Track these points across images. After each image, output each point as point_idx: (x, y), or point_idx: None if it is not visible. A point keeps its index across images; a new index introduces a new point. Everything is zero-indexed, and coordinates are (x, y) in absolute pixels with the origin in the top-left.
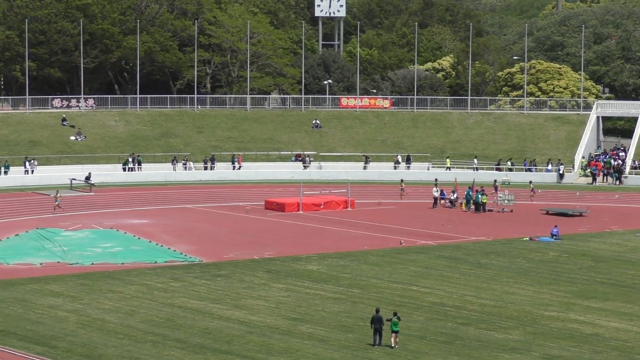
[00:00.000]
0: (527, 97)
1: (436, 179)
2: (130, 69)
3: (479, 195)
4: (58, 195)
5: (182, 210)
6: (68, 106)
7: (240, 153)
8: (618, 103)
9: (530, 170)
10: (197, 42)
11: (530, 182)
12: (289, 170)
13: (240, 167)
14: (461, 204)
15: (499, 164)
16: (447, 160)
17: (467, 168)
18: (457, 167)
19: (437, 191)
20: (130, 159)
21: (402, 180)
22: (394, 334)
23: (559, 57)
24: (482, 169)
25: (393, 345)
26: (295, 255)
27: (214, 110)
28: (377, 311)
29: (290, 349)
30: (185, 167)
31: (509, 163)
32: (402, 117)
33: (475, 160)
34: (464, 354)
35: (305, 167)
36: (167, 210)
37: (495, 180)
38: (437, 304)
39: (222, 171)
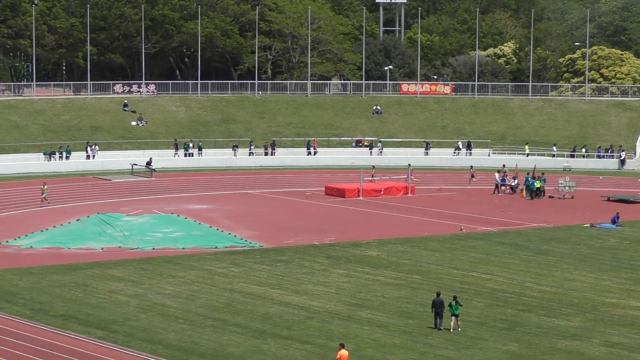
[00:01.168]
0: (588, 83)
1: (504, 165)
2: (191, 55)
3: (535, 181)
4: (45, 187)
5: (243, 195)
6: (129, 92)
7: (315, 138)
8: None
9: (603, 157)
10: (258, 28)
11: (471, 167)
12: (349, 156)
13: (316, 152)
14: (522, 190)
15: (574, 151)
16: (526, 146)
17: (539, 155)
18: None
19: (501, 177)
20: (176, 144)
21: (472, 167)
22: (454, 318)
23: (621, 43)
24: (544, 155)
25: (453, 328)
26: (355, 241)
27: (274, 96)
28: (438, 295)
29: (350, 335)
30: (251, 153)
31: (583, 150)
32: (462, 103)
33: (555, 147)
34: (524, 340)
35: (371, 152)
36: (228, 196)
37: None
38: (497, 290)
39: (282, 157)
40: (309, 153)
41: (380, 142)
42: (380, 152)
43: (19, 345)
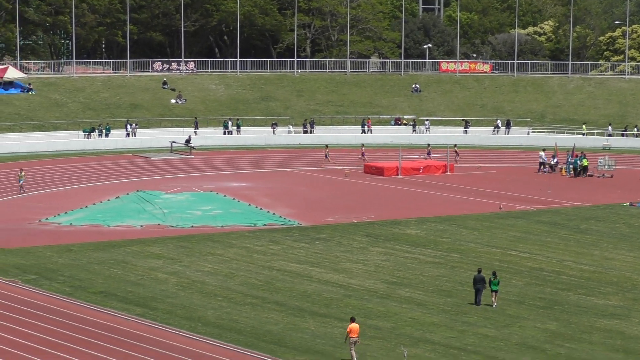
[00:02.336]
0: (628, 62)
1: (556, 143)
2: (230, 33)
3: (581, 159)
4: (22, 174)
5: (282, 173)
6: (169, 69)
7: (370, 117)
8: None
9: None
10: (297, 6)
11: (455, 144)
12: (388, 135)
13: (370, 130)
14: (561, 169)
15: (625, 129)
16: (583, 126)
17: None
18: (563, 133)
19: (544, 156)
20: (196, 121)
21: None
22: (493, 293)
23: None
24: (593, 134)
25: (494, 304)
26: (394, 219)
27: (313, 74)
28: (479, 271)
29: (389, 313)
30: (290, 131)
31: (635, 129)
32: (502, 82)
33: (610, 127)
34: (563, 319)
35: (414, 131)
36: (267, 174)
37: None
38: (536, 269)
39: (321, 135)
40: (364, 131)
41: (427, 120)
42: (427, 129)
43: (58, 322)
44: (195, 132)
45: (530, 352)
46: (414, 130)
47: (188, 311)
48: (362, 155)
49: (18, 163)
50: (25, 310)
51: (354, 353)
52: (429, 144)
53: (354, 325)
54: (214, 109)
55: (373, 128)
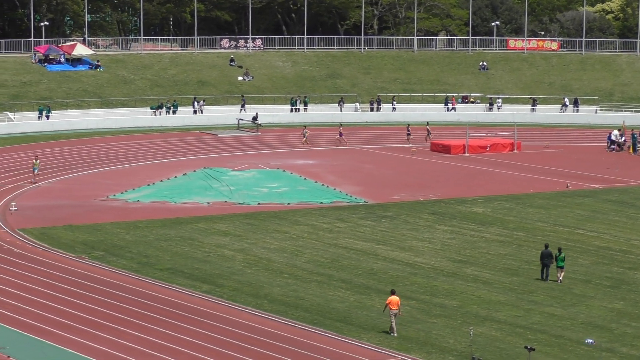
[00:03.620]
0: None
1: (624, 121)
2: (297, 10)
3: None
4: (37, 162)
5: (348, 151)
6: (236, 46)
7: (454, 95)
8: None
9: None
10: None
11: (427, 122)
12: (455, 112)
13: (454, 108)
14: (629, 147)
15: None
16: None
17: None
18: (631, 111)
19: (617, 135)
20: (243, 99)
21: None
22: (559, 269)
23: None
24: None
25: (560, 280)
26: (461, 198)
27: (380, 52)
28: (546, 247)
29: (455, 291)
30: (357, 109)
31: None
32: (570, 60)
33: None
34: (630, 299)
35: (490, 108)
36: (333, 151)
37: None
38: (603, 248)
39: (388, 112)
40: (448, 109)
41: (499, 98)
42: (499, 107)
43: (125, 298)
44: (242, 110)
45: (597, 332)
46: (490, 108)
47: (254, 288)
48: (340, 135)
49: (87, 139)
50: (92, 286)
51: (394, 325)
52: (409, 124)
53: (394, 298)
54: (280, 86)
55: (441, 106)
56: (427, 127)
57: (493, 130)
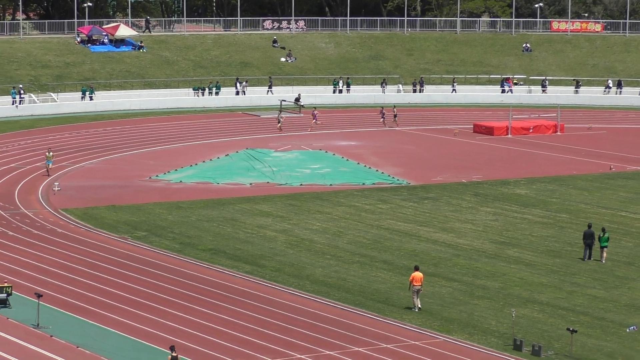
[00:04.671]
0: None
1: None
2: None
3: None
4: (50, 154)
5: (391, 132)
6: (279, 28)
7: (512, 76)
8: None
9: None
10: None
11: (394, 105)
12: (498, 94)
13: (511, 90)
14: None
15: None
16: None
17: None
18: None
19: None
20: (270, 80)
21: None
22: (602, 249)
23: None
24: None
25: (603, 260)
26: (504, 179)
27: (423, 33)
28: (589, 226)
29: (497, 273)
30: (399, 90)
31: None
32: (613, 42)
33: None
34: None
35: (544, 91)
36: (376, 133)
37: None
38: None
39: (431, 94)
40: (503, 91)
41: (546, 80)
42: (544, 89)
43: (167, 278)
44: (268, 92)
45: (639, 314)
46: (544, 91)
47: (296, 269)
48: (314, 117)
49: (130, 120)
50: (135, 266)
51: (417, 301)
52: (382, 106)
53: (417, 274)
54: (323, 68)
55: (484, 87)
56: (394, 109)
57: (536, 112)
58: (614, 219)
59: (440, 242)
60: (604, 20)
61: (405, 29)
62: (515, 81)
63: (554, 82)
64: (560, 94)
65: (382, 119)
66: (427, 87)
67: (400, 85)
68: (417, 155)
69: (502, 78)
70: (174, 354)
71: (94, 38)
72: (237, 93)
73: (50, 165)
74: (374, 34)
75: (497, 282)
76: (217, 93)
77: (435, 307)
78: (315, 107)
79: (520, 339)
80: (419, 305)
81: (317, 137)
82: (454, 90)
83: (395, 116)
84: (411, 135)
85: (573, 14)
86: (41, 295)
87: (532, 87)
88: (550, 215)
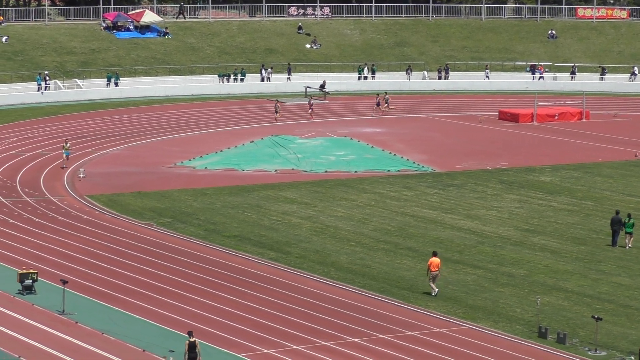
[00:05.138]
0: None
1: None
2: None
3: None
4: (68, 145)
5: (416, 119)
6: (304, 14)
7: (541, 63)
8: None
9: None
10: None
11: (386, 93)
12: (523, 81)
13: (541, 77)
14: None
15: None
16: None
17: None
18: None
19: None
20: (289, 66)
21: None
22: (627, 235)
23: None
24: None
25: (628, 246)
26: (529, 166)
27: (448, 20)
28: (617, 213)
29: (522, 260)
30: (425, 77)
31: None
32: (639, 28)
33: None
34: None
35: (572, 77)
36: (400, 120)
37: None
38: None
39: (456, 81)
40: (534, 77)
41: (575, 66)
42: (573, 76)
43: (193, 265)
44: (289, 78)
45: None
46: (572, 77)
47: (321, 256)
48: (310, 107)
49: (155, 107)
50: (160, 253)
51: (434, 286)
52: (378, 94)
53: (435, 259)
54: (348, 55)
55: (509, 74)
56: (384, 96)
57: (561, 99)
58: (639, 206)
59: (465, 230)
60: (630, 7)
61: (431, 15)
62: (546, 68)
63: (579, 69)
64: (586, 81)
65: (376, 106)
66: (452, 74)
67: (426, 72)
68: (442, 142)
69: (528, 65)
70: (191, 339)
71: (119, 24)
72: (262, 79)
73: (68, 156)
74: (399, 20)
75: (522, 270)
76: (242, 80)
77: (460, 294)
78: (311, 97)
79: (545, 327)
80: (436, 290)
81: (342, 124)
82: (487, 77)
83: (387, 102)
84: (436, 122)
85: (599, 1)
86: (66, 282)
87: (558, 74)
88: (575, 203)
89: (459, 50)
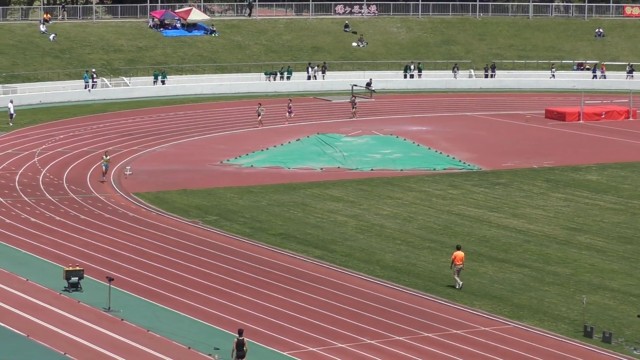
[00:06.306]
0: None
1: None
2: None
3: None
4: (107, 158)
5: (462, 118)
6: (350, 12)
7: (603, 63)
8: None
9: None
10: None
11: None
12: (570, 79)
13: (604, 75)
14: None
15: None
16: None
17: None
18: None
19: None
20: (324, 66)
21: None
22: None
23: None
24: None
25: None
26: (575, 165)
27: (495, 18)
28: None
29: (568, 259)
30: (471, 75)
31: None
32: None
33: None
34: None
35: (629, 77)
36: (447, 118)
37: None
38: None
39: (503, 79)
40: (595, 76)
41: (630, 65)
42: (630, 76)
43: (238, 262)
44: (323, 77)
45: None
46: (594, 76)
47: (367, 254)
48: (289, 111)
49: (201, 105)
50: (206, 250)
51: (458, 279)
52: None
53: (459, 253)
54: (395, 53)
55: (556, 73)
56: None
57: (608, 97)
58: None
59: (511, 228)
60: None
61: (477, 13)
62: (587, 66)
63: (626, 68)
64: (633, 80)
65: (353, 109)
66: (498, 72)
67: (472, 71)
68: (489, 140)
69: (574, 63)
70: (240, 338)
71: (166, 22)
72: (309, 78)
73: (107, 169)
74: (445, 18)
75: (567, 269)
76: (288, 78)
77: (506, 293)
78: (290, 99)
79: (591, 326)
80: (461, 283)
81: (388, 122)
82: (552, 75)
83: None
84: (482, 120)
85: None
86: (112, 279)
87: (606, 73)
88: (621, 202)
89: (505, 49)
